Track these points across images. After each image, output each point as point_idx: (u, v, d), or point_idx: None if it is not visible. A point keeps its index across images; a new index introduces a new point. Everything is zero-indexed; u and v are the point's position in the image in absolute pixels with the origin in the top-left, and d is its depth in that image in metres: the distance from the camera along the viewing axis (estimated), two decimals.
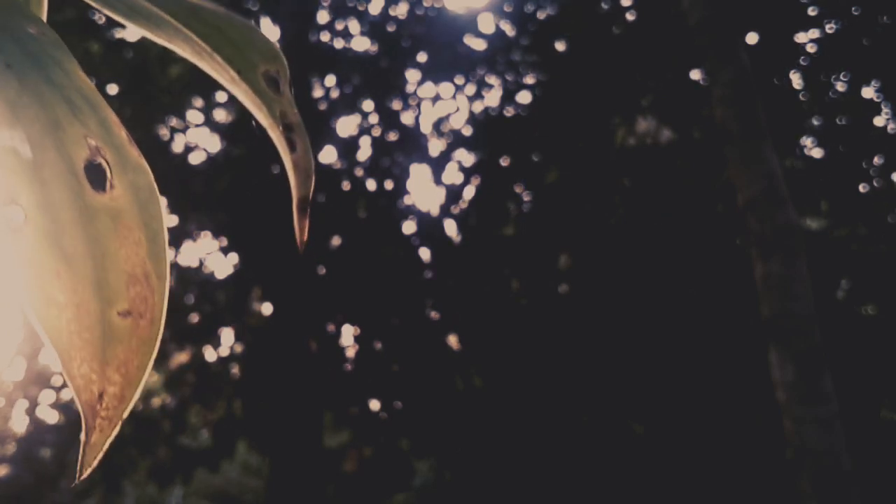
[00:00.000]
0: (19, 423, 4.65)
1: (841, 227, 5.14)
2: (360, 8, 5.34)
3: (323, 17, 5.35)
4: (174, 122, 5.09)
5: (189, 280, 4.98)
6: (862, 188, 4.98)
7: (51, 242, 0.24)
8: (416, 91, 5.25)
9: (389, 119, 5.22)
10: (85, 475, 0.25)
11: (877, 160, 4.97)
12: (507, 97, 5.26)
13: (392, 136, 5.21)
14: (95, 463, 0.25)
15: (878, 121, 5.00)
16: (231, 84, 0.36)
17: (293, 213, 0.37)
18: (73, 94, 0.27)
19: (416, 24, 5.28)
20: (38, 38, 0.28)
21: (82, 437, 0.25)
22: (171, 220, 4.89)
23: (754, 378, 4.14)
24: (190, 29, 0.35)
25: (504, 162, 5.22)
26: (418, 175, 5.81)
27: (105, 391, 0.24)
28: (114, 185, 0.26)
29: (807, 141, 5.13)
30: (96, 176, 0.26)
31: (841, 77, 4.96)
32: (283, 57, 0.37)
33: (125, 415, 0.25)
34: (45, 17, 0.34)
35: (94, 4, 0.34)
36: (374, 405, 5.04)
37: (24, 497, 4.54)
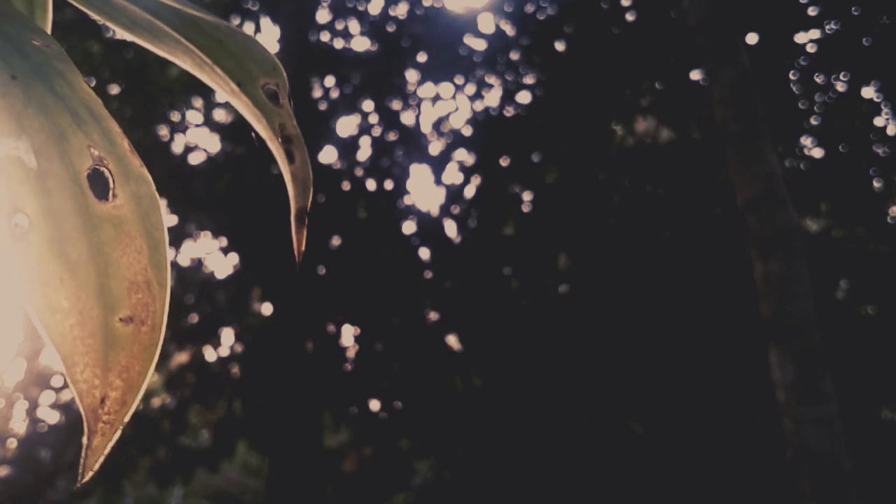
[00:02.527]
0: (19, 424, 4.66)
1: (841, 227, 5.14)
2: (360, 8, 5.34)
3: (323, 17, 5.36)
4: (174, 121, 5.10)
5: (189, 280, 4.99)
6: (862, 188, 4.98)
7: (55, 250, 0.24)
8: (416, 91, 5.25)
9: (389, 119, 5.22)
10: (87, 478, 0.25)
11: (876, 160, 4.98)
12: (507, 97, 5.26)
13: (392, 136, 5.22)
14: (97, 466, 0.25)
15: (878, 121, 5.00)
16: (231, 96, 0.36)
17: (291, 223, 0.37)
18: (76, 105, 0.27)
19: (416, 24, 5.29)
20: (43, 50, 0.28)
21: (84, 440, 0.25)
22: (171, 220, 4.90)
23: (754, 378, 4.14)
24: (190, 41, 0.35)
25: (504, 162, 5.22)
26: (418, 175, 5.82)
27: (107, 396, 0.25)
28: (116, 194, 0.26)
29: (807, 141, 5.14)
30: (99, 185, 0.26)
31: (841, 77, 4.96)
32: (282, 70, 0.38)
33: (126, 419, 0.26)
34: (49, 30, 0.35)
35: (96, 17, 0.35)
36: (374, 405, 5.05)
37: (24, 497, 4.54)
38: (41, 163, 0.25)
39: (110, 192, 0.26)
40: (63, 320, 0.24)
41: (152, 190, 0.27)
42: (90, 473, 0.25)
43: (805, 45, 4.93)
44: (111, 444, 0.25)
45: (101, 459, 0.25)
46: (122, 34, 0.34)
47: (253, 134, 0.37)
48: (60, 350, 0.24)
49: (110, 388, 0.25)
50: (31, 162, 0.25)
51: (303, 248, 0.37)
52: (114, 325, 0.25)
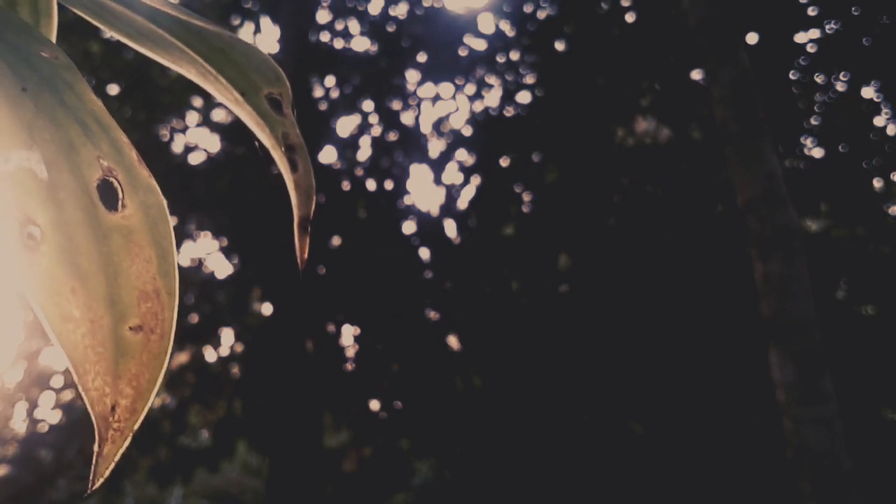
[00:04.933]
0: (19, 424, 4.66)
1: (841, 227, 5.14)
2: (360, 8, 5.34)
3: (323, 17, 5.36)
4: (174, 122, 5.10)
5: (189, 280, 4.99)
6: (862, 188, 4.98)
7: (66, 260, 0.25)
8: (416, 91, 5.25)
9: (389, 119, 5.22)
10: (97, 485, 0.26)
11: (877, 160, 4.98)
12: (507, 97, 5.26)
13: (392, 136, 5.22)
14: (108, 473, 0.26)
15: (879, 121, 5.00)
16: (234, 105, 0.37)
17: (294, 232, 0.37)
18: (85, 116, 0.27)
19: (416, 24, 5.29)
20: (51, 62, 0.28)
21: (95, 447, 0.25)
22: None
23: (754, 378, 4.14)
24: (194, 51, 0.36)
25: (504, 162, 5.22)
26: (418, 175, 5.82)
27: (117, 404, 0.25)
28: (125, 204, 0.27)
29: (807, 141, 5.14)
30: (109, 196, 0.27)
31: (841, 77, 4.97)
32: (285, 79, 0.38)
33: (136, 427, 0.26)
34: (54, 38, 0.35)
35: (102, 27, 0.35)
36: (374, 405, 5.05)
37: (24, 496, 4.55)
38: (52, 174, 0.25)
39: (119, 203, 0.27)
40: (74, 329, 0.24)
41: (160, 200, 0.28)
42: (101, 480, 0.25)
43: (805, 45, 4.93)
44: (121, 451, 0.26)
45: (112, 466, 0.26)
46: (127, 43, 0.35)
47: (256, 143, 0.38)
48: (72, 359, 0.24)
49: (120, 395, 0.25)
50: (42, 173, 0.25)
51: (306, 255, 0.38)
52: (124, 333, 0.26)
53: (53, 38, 0.35)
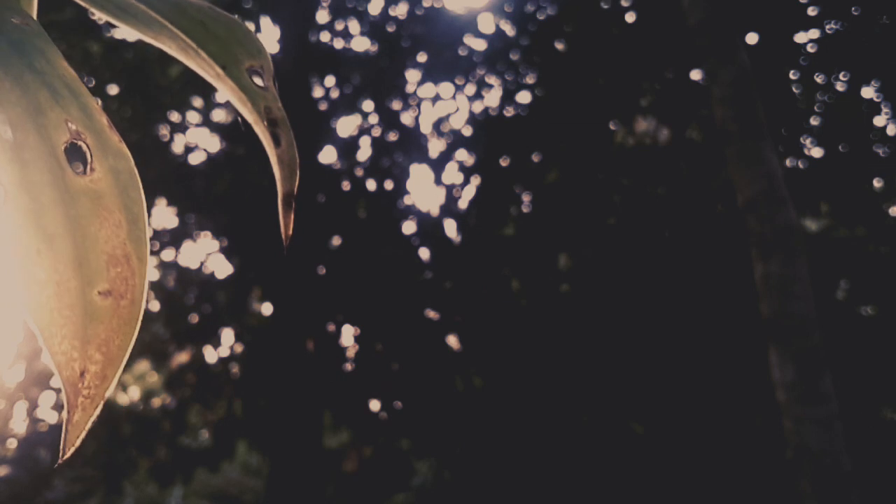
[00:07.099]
0: (19, 424, 4.66)
1: (841, 227, 5.14)
2: (360, 8, 5.34)
3: (323, 17, 5.36)
4: (174, 121, 5.10)
5: (189, 280, 4.99)
6: (862, 188, 4.97)
7: (31, 221, 0.24)
8: (416, 91, 5.25)
9: (389, 119, 5.22)
10: (68, 454, 0.25)
11: (876, 160, 4.97)
12: (507, 97, 5.26)
13: (392, 136, 5.22)
14: (78, 442, 0.25)
15: (879, 121, 5.00)
16: (216, 80, 0.36)
17: (279, 207, 0.37)
18: (54, 80, 0.27)
19: (416, 24, 5.29)
20: (21, 27, 0.28)
21: (64, 415, 0.25)
22: (171, 221, 4.90)
23: (754, 378, 4.14)
24: (175, 25, 0.35)
25: (504, 162, 5.22)
26: (418, 175, 5.82)
27: (87, 369, 0.25)
28: (94, 168, 0.27)
29: (807, 141, 5.13)
30: (77, 159, 0.26)
31: (841, 77, 4.96)
32: (266, 52, 0.38)
33: (107, 394, 0.26)
34: (35, 14, 0.35)
35: (82, 3, 0.35)
36: (374, 405, 5.05)
37: (23, 497, 4.54)
38: (17, 135, 0.25)
39: (88, 166, 0.27)
40: (40, 291, 0.24)
41: (131, 165, 0.27)
42: (71, 449, 0.25)
43: (805, 45, 4.93)
44: (92, 419, 0.25)
45: (83, 435, 0.25)
46: (108, 20, 0.34)
47: (239, 119, 0.37)
48: (37, 321, 0.24)
49: (90, 361, 0.25)
50: (6, 134, 0.25)
51: (290, 232, 0.37)
52: (92, 298, 0.25)
53: (34, 13, 0.35)
